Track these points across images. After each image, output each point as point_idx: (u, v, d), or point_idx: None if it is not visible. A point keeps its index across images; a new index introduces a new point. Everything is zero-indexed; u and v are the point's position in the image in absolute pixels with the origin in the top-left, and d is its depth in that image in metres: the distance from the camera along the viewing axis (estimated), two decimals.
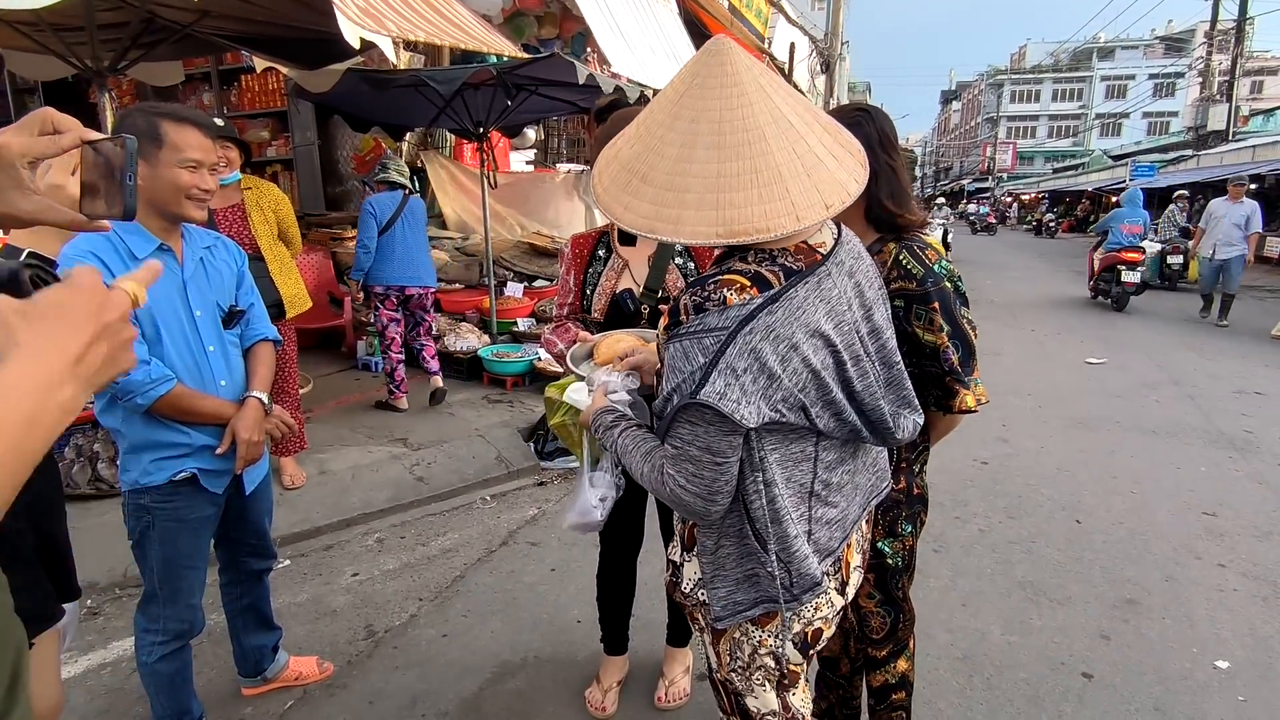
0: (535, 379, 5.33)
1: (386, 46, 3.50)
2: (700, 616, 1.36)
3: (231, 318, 1.88)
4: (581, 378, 1.64)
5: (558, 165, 8.84)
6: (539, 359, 5.33)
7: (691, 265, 2.01)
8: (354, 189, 7.57)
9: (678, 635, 2.35)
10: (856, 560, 1.40)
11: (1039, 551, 3.32)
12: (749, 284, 1.11)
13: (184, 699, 1.98)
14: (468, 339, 5.58)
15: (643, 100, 5.24)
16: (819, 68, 16.68)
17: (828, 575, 1.31)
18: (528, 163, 8.78)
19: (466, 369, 5.45)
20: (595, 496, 1.74)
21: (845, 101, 12.80)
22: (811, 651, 1.37)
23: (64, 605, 1.61)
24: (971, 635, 2.68)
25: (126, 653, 2.59)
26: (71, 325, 0.60)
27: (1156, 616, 2.81)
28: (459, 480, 4.00)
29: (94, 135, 0.82)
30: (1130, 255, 9.76)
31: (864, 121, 1.61)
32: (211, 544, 2.01)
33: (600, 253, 2.01)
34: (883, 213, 1.61)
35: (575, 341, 1.84)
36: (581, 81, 4.73)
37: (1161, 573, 3.13)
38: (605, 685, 2.30)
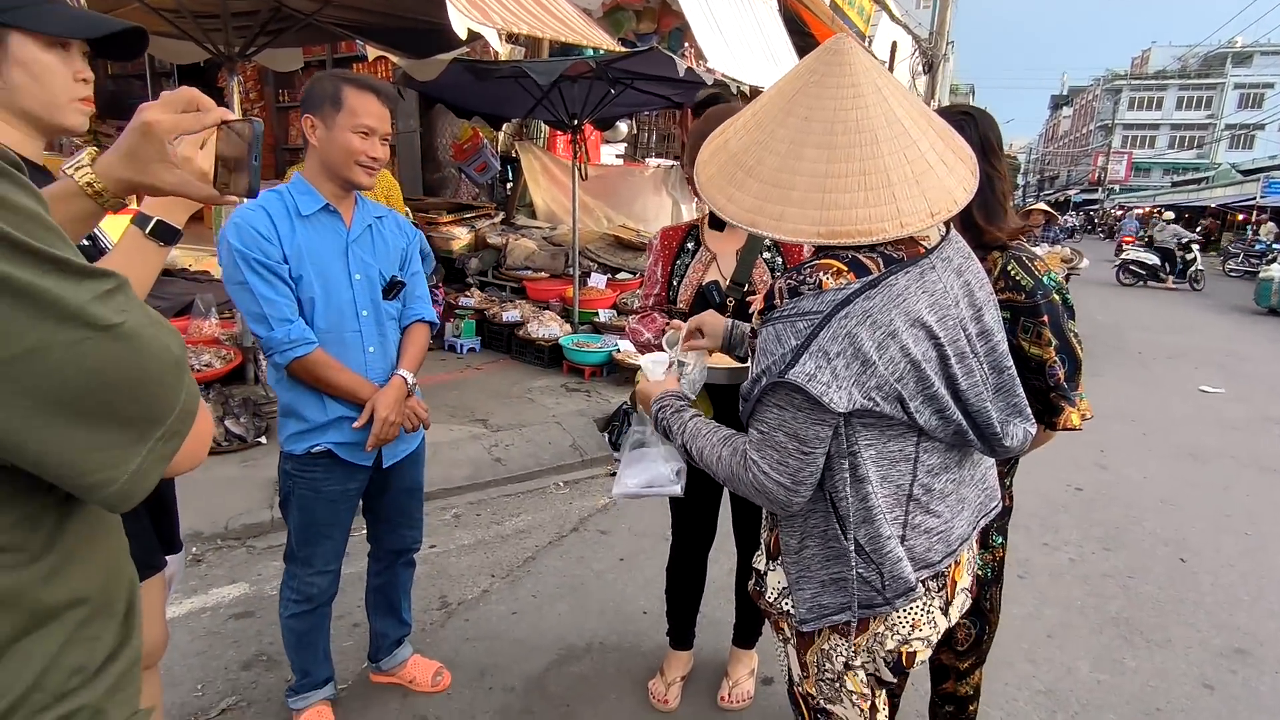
0: (613, 370, 5.38)
1: (492, 37, 3.60)
2: (785, 626, 1.33)
3: (392, 288, 1.91)
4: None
5: (647, 159, 8.88)
6: (618, 350, 5.38)
7: (780, 260, 1.99)
8: (450, 175, 7.83)
9: (745, 637, 2.33)
10: (965, 582, 1.33)
11: (1136, 588, 3.11)
12: (845, 269, 1.09)
13: (308, 660, 2.05)
14: (550, 327, 5.69)
15: (740, 96, 5.20)
16: (920, 68, 16.09)
17: (929, 591, 1.25)
18: (618, 156, 8.85)
19: (547, 356, 5.55)
20: (671, 469, 1.72)
21: (945, 104, 12.30)
22: (903, 674, 1.32)
23: (167, 557, 1.72)
24: (1056, 669, 2.53)
25: (225, 599, 2.78)
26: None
27: (1270, 670, 2.59)
28: (535, 464, 4.08)
29: (231, 116, 0.87)
30: None
31: (967, 125, 1.55)
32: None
33: (689, 245, 2.01)
34: (968, 224, 1.54)
35: (663, 331, 1.85)
36: (680, 76, 4.72)
37: (1278, 623, 2.88)
38: (669, 679, 2.31)
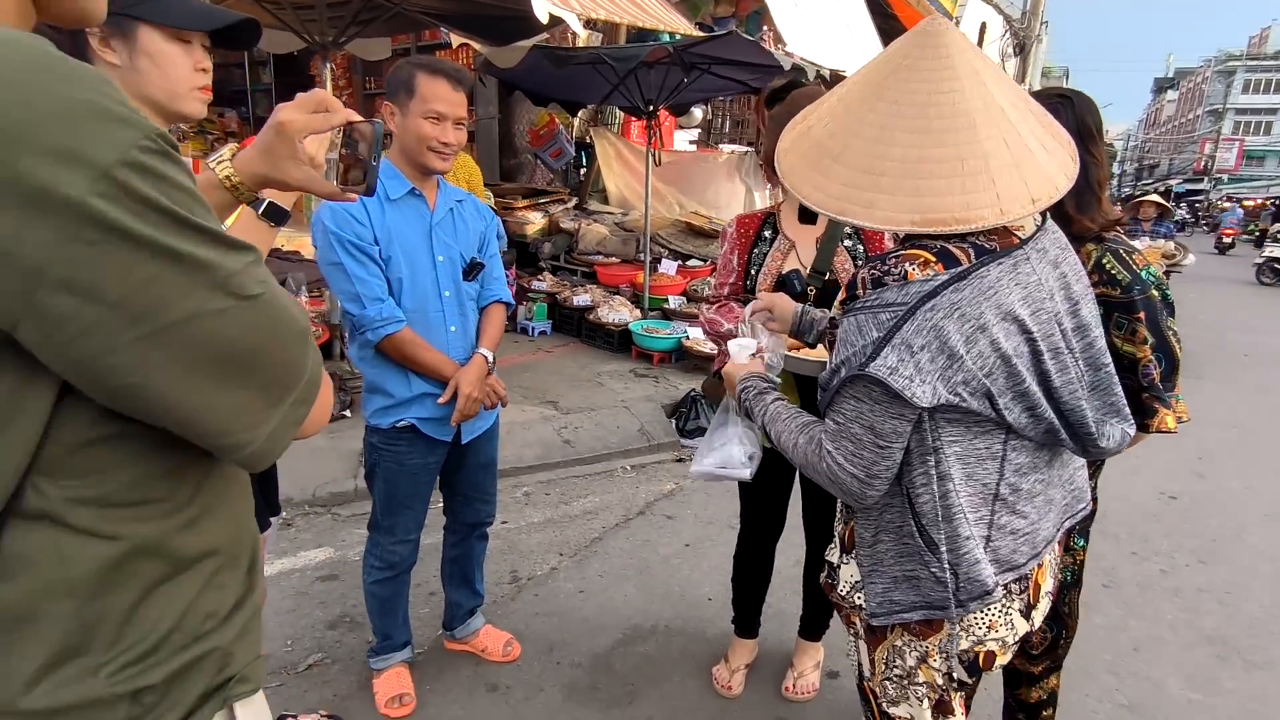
0: (682, 356, 5.39)
1: (572, 20, 3.63)
2: (856, 620, 1.32)
3: (472, 269, 1.97)
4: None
5: (721, 146, 8.80)
6: (687, 337, 5.38)
7: (861, 248, 1.95)
8: (526, 161, 7.96)
9: (812, 629, 2.32)
10: (1048, 585, 1.29)
11: (1236, 605, 2.92)
12: (934, 259, 1.06)
13: (389, 624, 2.16)
14: (620, 312, 5.73)
15: (820, 81, 5.08)
16: (1011, 50, 15.31)
17: (1009, 593, 1.21)
18: (691, 142, 8.81)
19: (617, 341, 5.61)
20: (743, 453, 1.72)
21: (1037, 88, 11.70)
22: (979, 675, 1.29)
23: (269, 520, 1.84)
24: (1143, 684, 2.42)
25: (312, 562, 2.94)
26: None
27: None
28: (603, 447, 4.14)
29: (355, 117, 0.92)
30: None
31: (1063, 109, 1.48)
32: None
33: (765, 233, 1.99)
34: (1060, 215, 1.47)
35: (737, 321, 1.84)
36: (760, 60, 4.65)
37: None
38: (733, 665, 2.32)
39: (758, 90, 6.31)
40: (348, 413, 4.12)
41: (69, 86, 0.51)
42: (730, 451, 1.75)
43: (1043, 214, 1.18)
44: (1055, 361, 1.11)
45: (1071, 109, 1.51)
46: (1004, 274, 1.06)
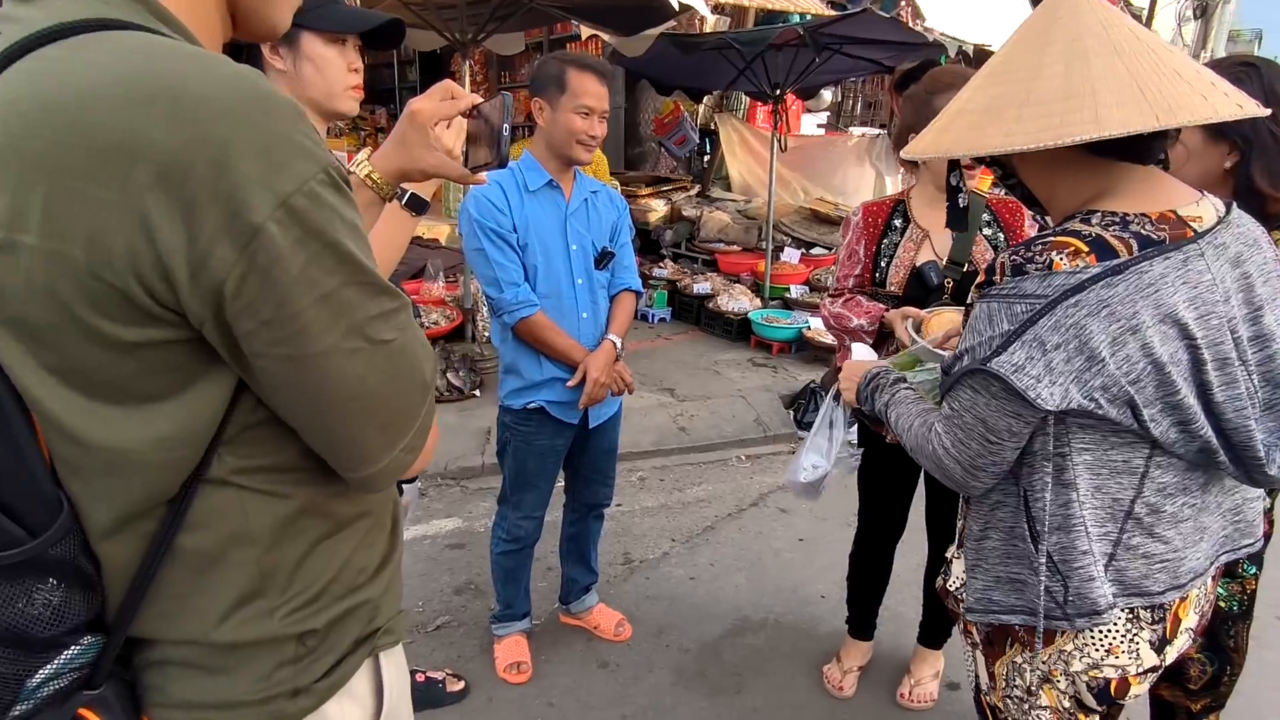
0: (803, 347, 5.27)
1: (701, 6, 3.61)
2: (973, 630, 1.25)
3: (603, 258, 2.05)
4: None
5: (850, 129, 8.46)
6: (808, 327, 5.25)
7: (1002, 236, 1.82)
8: (650, 149, 8.03)
9: (932, 636, 2.21)
10: (1191, 621, 1.17)
11: None
12: (1086, 249, 0.96)
13: (512, 594, 2.30)
14: (740, 300, 5.68)
15: (961, 58, 4.77)
16: (1191, 12, 13.63)
17: (1137, 619, 1.11)
18: (819, 126, 8.53)
19: (735, 329, 5.56)
20: (809, 461, 1.69)
21: (1221, 55, 10.36)
22: (1112, 705, 1.19)
23: (404, 486, 1.97)
24: None
25: (441, 530, 3.15)
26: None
27: None
28: (718, 436, 4.13)
29: (479, 99, 0.97)
30: None
31: (1248, 78, 1.32)
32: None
33: (895, 222, 1.89)
34: (1251, 191, 1.29)
35: (870, 316, 1.78)
36: (900, 38, 4.43)
37: None
38: (845, 666, 2.26)
39: (893, 69, 6.01)
40: (477, 392, 4.35)
41: (272, 120, 0.56)
42: (797, 460, 1.71)
43: (1227, 205, 1.06)
44: (1221, 374, 0.99)
45: (1258, 78, 1.33)
46: (1170, 270, 0.95)
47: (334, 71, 1.44)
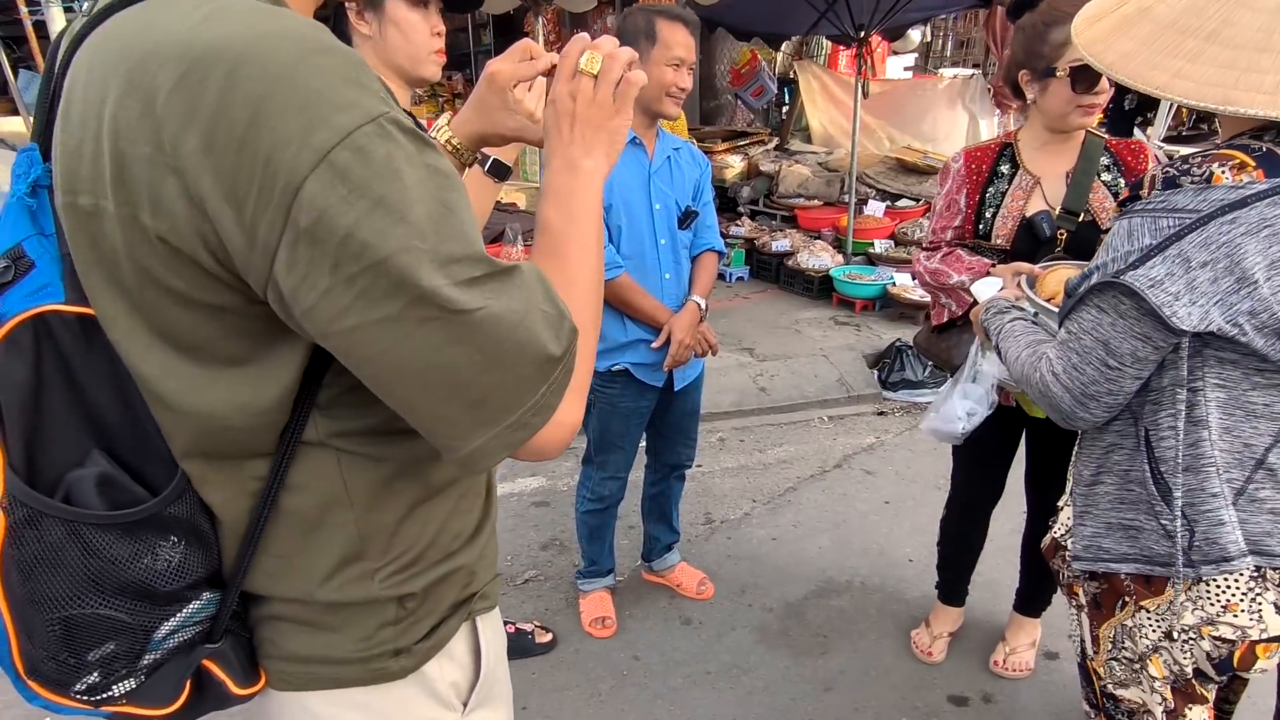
0: (887, 304, 5.07)
1: None
2: (1080, 591, 1.19)
3: (686, 217, 2.01)
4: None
5: (940, 71, 7.96)
6: (893, 283, 5.04)
7: (1123, 182, 1.66)
8: (727, 103, 7.79)
9: (1029, 604, 2.12)
10: None
11: None
12: (1254, 164, 0.87)
13: (596, 551, 2.35)
14: (821, 257, 5.50)
15: None
16: None
17: (1262, 577, 1.03)
18: (906, 69, 8.06)
19: (816, 287, 5.40)
20: (963, 408, 1.64)
21: None
22: (1233, 675, 1.11)
23: None
24: None
25: (527, 488, 3.24)
26: (557, 128, 0.75)
27: None
28: (799, 396, 4.06)
29: (557, 58, 0.94)
30: None
31: None
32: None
33: (1002, 169, 1.75)
34: None
35: (973, 272, 1.67)
36: None
37: None
38: (935, 632, 2.21)
39: (989, 3, 5.57)
40: None
41: (315, 73, 0.52)
42: (949, 406, 1.66)
43: None
44: None
45: None
46: None
47: (418, 35, 1.44)
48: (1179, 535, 1.01)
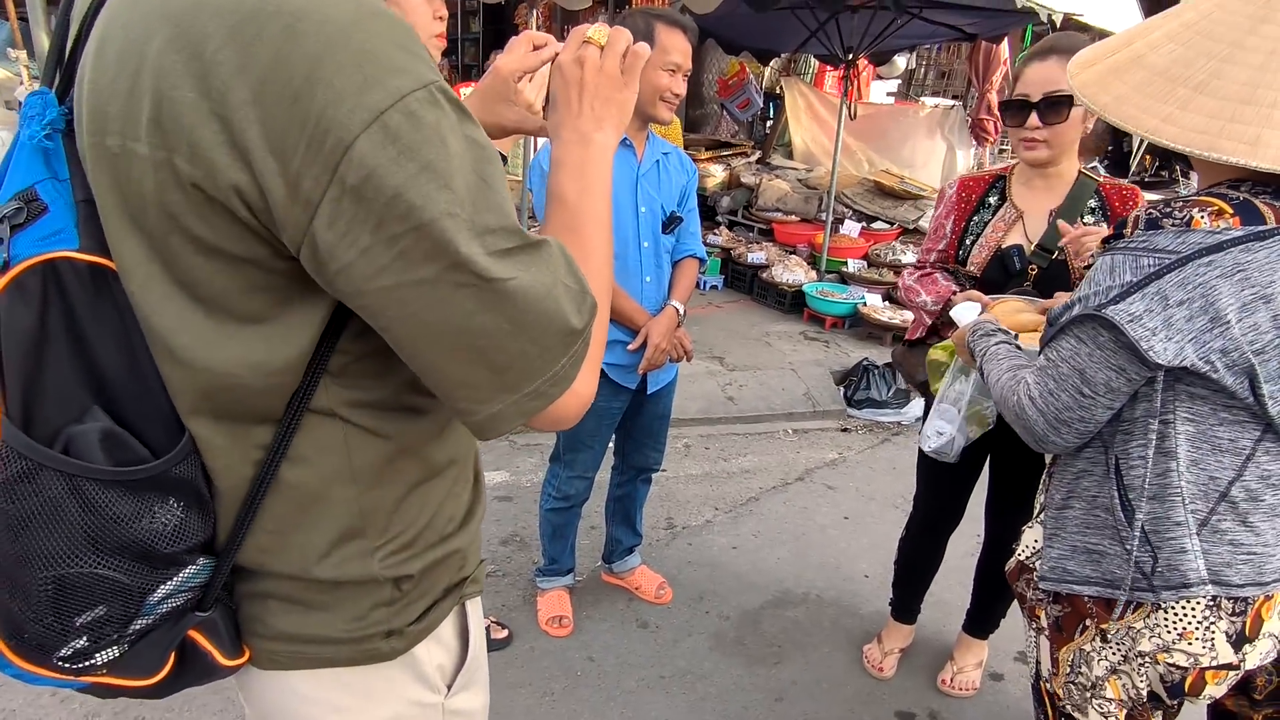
0: (857, 323, 5.16)
1: None
2: (1041, 614, 1.23)
3: (670, 222, 2.02)
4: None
5: (922, 98, 8.13)
6: (864, 303, 5.13)
7: (1105, 226, 1.71)
8: (712, 112, 7.85)
9: (978, 625, 2.18)
10: (1275, 625, 1.11)
11: None
12: (1231, 211, 0.92)
13: (557, 549, 2.33)
14: (795, 272, 5.57)
15: (1049, 26, 4.50)
16: None
17: (1217, 607, 1.07)
18: (889, 94, 8.22)
19: (789, 301, 5.47)
20: (933, 427, 1.70)
21: None
22: (1184, 701, 1.15)
23: None
24: None
25: (490, 482, 3.21)
26: (565, 100, 0.76)
27: None
28: (765, 407, 4.10)
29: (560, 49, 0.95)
30: None
31: None
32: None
33: (990, 199, 1.80)
34: None
35: (938, 296, 1.71)
36: (986, 4, 4.20)
37: None
38: (886, 648, 2.25)
39: (973, 37, 5.71)
40: None
41: (370, 35, 0.53)
42: (931, 424, 1.71)
43: None
44: None
45: None
46: None
47: (421, 18, 1.41)
48: (1144, 561, 1.05)
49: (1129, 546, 1.06)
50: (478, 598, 0.86)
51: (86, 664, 0.62)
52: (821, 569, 2.72)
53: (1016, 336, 1.38)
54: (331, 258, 0.54)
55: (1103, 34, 6.29)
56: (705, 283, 6.02)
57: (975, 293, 1.64)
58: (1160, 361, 0.94)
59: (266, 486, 0.65)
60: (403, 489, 0.71)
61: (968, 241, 1.78)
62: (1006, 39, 5.61)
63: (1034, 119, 1.58)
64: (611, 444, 2.33)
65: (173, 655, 0.67)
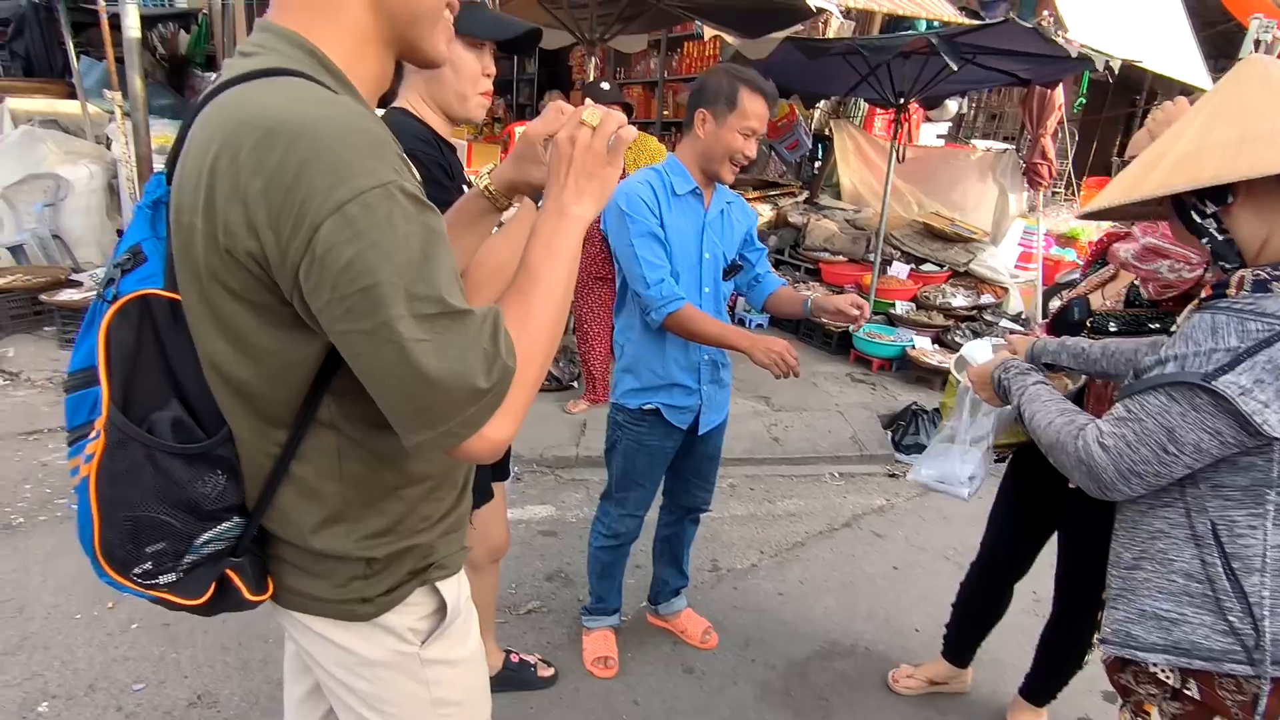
0: (904, 366, 5.10)
1: (834, 8, 3.53)
2: (1153, 711, 1.16)
3: (731, 270, 2.05)
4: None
5: (973, 141, 8.09)
6: (913, 346, 5.07)
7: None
8: (761, 153, 7.92)
9: (1037, 692, 2.09)
10: None
11: None
12: None
13: (606, 588, 2.34)
14: None
15: (1109, 73, 4.47)
16: None
17: None
18: (939, 136, 8.19)
19: (835, 342, 5.44)
20: (965, 473, 1.67)
21: None
22: None
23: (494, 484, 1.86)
24: None
25: (535, 516, 3.24)
26: (555, 172, 0.89)
27: None
28: (811, 450, 4.06)
29: (583, 116, 1.01)
30: None
31: None
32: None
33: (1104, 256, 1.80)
34: None
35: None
36: (1043, 50, 4.20)
37: None
38: (919, 674, 2.23)
39: (1027, 82, 5.69)
40: (575, 383, 4.44)
41: (345, 146, 0.69)
42: (952, 467, 1.69)
43: None
44: None
45: None
46: None
47: (469, 75, 1.46)
48: (1245, 634, 1.02)
49: (1231, 618, 1.02)
50: (451, 578, 1.03)
51: (152, 582, 0.84)
52: (870, 620, 2.67)
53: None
54: (312, 301, 0.73)
55: (1163, 80, 6.21)
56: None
57: (1014, 335, 1.69)
58: (1276, 435, 0.93)
59: (280, 475, 0.86)
60: (380, 491, 0.90)
61: (1072, 291, 1.78)
62: (1061, 84, 5.57)
63: None
64: (662, 485, 2.34)
65: (213, 585, 0.88)
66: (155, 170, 0.94)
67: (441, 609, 1.01)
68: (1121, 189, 1.07)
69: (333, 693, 1.04)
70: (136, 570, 0.82)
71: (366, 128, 0.72)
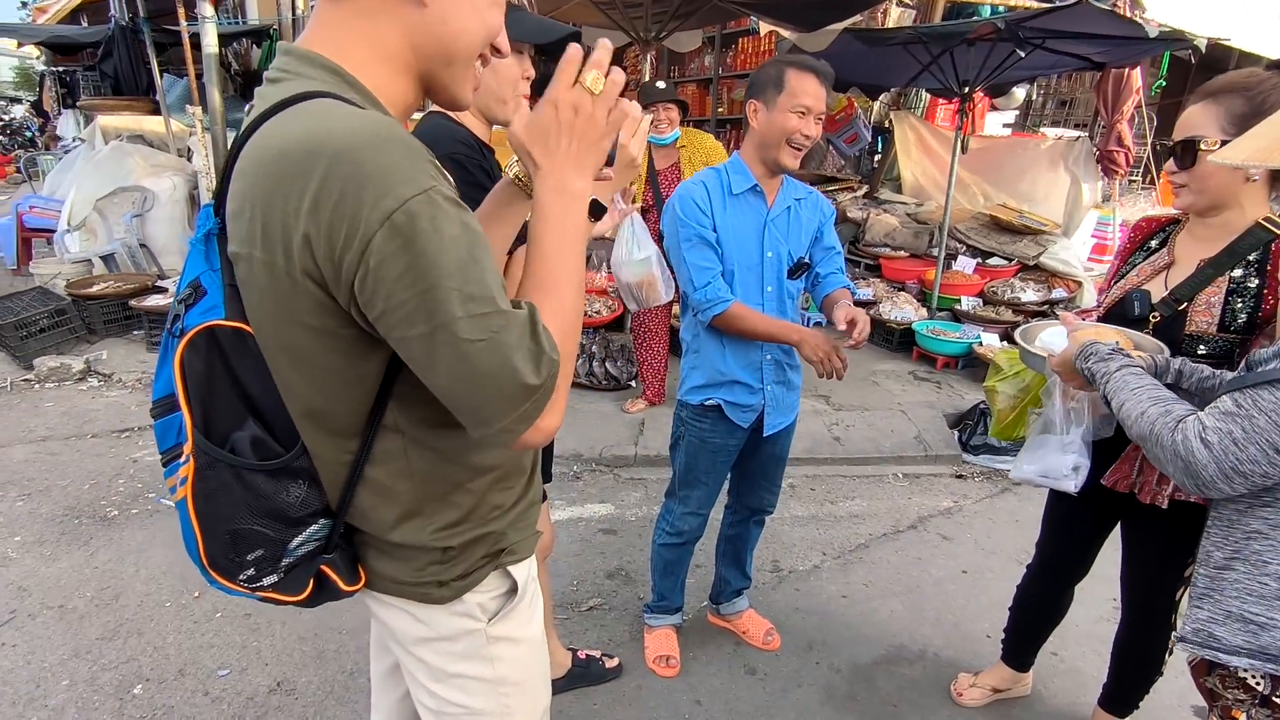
0: (970, 363, 4.94)
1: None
2: (1241, 717, 1.12)
3: (798, 269, 2.00)
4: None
5: (1042, 129, 7.77)
6: (979, 343, 4.90)
7: (1255, 283, 1.48)
8: (819, 148, 7.78)
9: (1117, 703, 1.99)
10: None
11: None
12: None
13: (668, 586, 2.34)
14: (904, 310, 5.41)
15: (1193, 53, 4.23)
16: None
17: None
18: (1005, 125, 7.90)
19: (897, 340, 5.31)
20: (1068, 464, 1.60)
21: None
22: None
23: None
24: None
25: (595, 515, 3.27)
26: (552, 141, 0.86)
27: None
28: (874, 450, 3.97)
29: None
30: None
31: None
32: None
33: (1153, 242, 1.70)
34: None
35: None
36: (1119, 32, 4.00)
37: None
38: (981, 682, 2.16)
39: (1101, 66, 5.43)
40: (633, 382, 4.46)
41: (384, 158, 0.72)
42: (1053, 460, 1.62)
43: None
44: None
45: None
46: None
47: (508, 79, 1.46)
48: None
49: None
50: (522, 562, 1.07)
51: (257, 585, 0.91)
52: (938, 626, 2.59)
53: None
54: (369, 311, 0.76)
55: (1250, 57, 5.83)
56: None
57: (1068, 315, 1.61)
58: None
59: (356, 479, 0.91)
60: (448, 486, 0.95)
61: (1120, 282, 1.69)
62: (1140, 66, 5.29)
63: (1171, 163, 1.51)
64: (726, 483, 2.33)
65: (312, 581, 0.95)
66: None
67: (512, 590, 1.06)
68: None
69: (405, 667, 1.10)
70: (241, 576, 0.90)
71: (398, 136, 0.75)
